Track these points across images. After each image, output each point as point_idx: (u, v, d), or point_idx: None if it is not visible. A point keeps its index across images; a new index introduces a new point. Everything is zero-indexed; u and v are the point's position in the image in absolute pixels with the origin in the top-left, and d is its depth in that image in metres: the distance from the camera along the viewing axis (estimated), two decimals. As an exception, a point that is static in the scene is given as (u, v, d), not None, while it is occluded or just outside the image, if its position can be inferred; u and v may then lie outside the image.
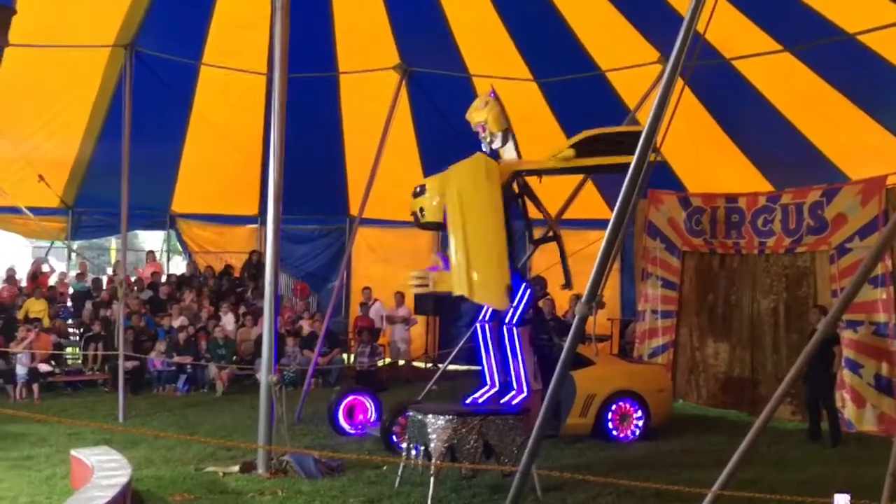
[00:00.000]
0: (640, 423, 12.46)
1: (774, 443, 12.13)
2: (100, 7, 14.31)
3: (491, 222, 9.84)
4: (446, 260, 10.14)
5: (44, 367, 15.54)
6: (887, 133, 13.76)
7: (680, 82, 7.35)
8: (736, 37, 13.27)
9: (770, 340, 15.01)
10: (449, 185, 10.04)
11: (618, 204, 6.41)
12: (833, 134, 14.54)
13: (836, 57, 12.97)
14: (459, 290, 9.68)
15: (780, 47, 13.30)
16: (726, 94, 14.87)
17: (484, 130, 10.55)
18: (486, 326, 10.36)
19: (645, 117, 6.72)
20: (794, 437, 12.81)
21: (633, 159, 6.46)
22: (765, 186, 15.82)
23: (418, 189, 10.49)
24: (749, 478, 9.62)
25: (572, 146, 10.31)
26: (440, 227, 10.50)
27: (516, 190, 10.61)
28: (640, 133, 8.62)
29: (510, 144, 10.58)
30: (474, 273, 9.58)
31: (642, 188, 6.70)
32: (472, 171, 10.10)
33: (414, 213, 10.56)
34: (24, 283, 18.79)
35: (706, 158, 16.50)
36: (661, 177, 15.58)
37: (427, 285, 10.09)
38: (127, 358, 14.57)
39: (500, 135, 10.49)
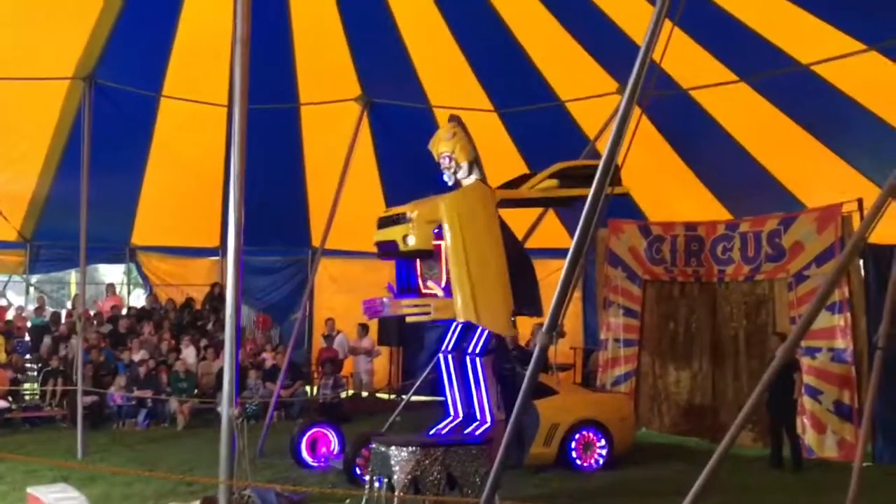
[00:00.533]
0: (604, 451, 12.48)
1: (736, 470, 12.15)
2: (59, 39, 14.22)
3: (493, 249, 9.92)
4: (393, 290, 10.19)
5: (0, 403, 15.27)
6: (842, 162, 14.00)
7: (638, 112, 7.45)
8: (692, 67, 13.46)
9: (731, 367, 15.12)
10: (447, 213, 10.03)
11: (577, 233, 6.44)
12: (789, 163, 14.77)
13: (791, 87, 13.21)
14: (465, 316, 9.73)
15: (735, 77, 13.52)
16: (684, 124, 15.05)
17: (449, 161, 10.55)
18: (449, 357, 10.34)
19: (604, 147, 6.78)
20: (755, 463, 12.88)
21: (592, 188, 6.51)
22: (723, 215, 16.01)
23: (396, 216, 10.46)
24: (712, 505, 9.66)
25: (552, 177, 10.41)
26: (424, 255, 10.48)
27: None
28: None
29: (474, 175, 10.57)
30: (480, 300, 9.62)
31: (602, 217, 6.75)
32: (471, 198, 10.15)
33: (386, 242, 10.51)
34: (-20, 318, 18.53)
35: (665, 187, 16.67)
36: (622, 206, 15.66)
37: (428, 313, 10.10)
38: (86, 393, 14.37)
39: (465, 165, 10.48)
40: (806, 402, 13.61)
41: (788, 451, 12.66)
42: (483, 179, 10.55)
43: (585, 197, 9.50)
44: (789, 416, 12.81)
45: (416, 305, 10.24)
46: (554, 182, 10.49)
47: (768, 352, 13.90)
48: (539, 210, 13.68)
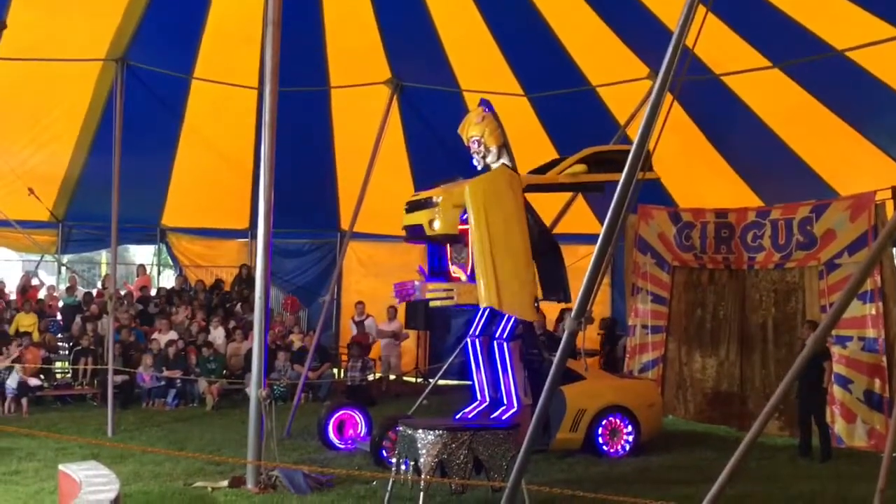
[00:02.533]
0: (631, 438, 12.44)
1: (764, 458, 12.13)
2: (91, 21, 14.31)
3: (516, 234, 9.92)
4: (425, 273, 10.18)
5: (33, 381, 15.47)
6: (876, 149, 13.84)
7: (669, 97, 7.38)
8: (725, 53, 13.34)
9: (759, 356, 15.03)
10: (472, 198, 10.01)
11: (607, 219, 6.42)
12: (822, 150, 14.62)
13: (825, 73, 13.05)
14: (488, 301, 9.74)
15: (769, 63, 13.38)
16: (716, 110, 14.94)
17: (478, 145, 10.54)
18: (477, 341, 10.36)
19: (635, 132, 6.75)
20: (783, 452, 12.81)
21: (623, 174, 6.47)
22: (754, 202, 15.88)
23: (423, 200, 10.46)
24: (738, 493, 9.63)
25: (581, 162, 10.37)
26: (451, 240, 10.48)
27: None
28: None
29: (503, 159, 10.55)
30: (503, 285, 9.61)
31: (632, 203, 6.71)
32: (496, 182, 10.13)
33: (413, 227, 10.53)
34: (13, 297, 18.73)
35: (696, 174, 16.56)
36: (651, 192, 15.60)
37: (452, 297, 10.13)
38: (116, 372, 14.52)
39: (494, 149, 10.46)
40: (836, 391, 13.52)
41: (817, 441, 12.57)
42: (512, 164, 10.52)
43: (615, 182, 9.49)
44: (819, 405, 12.71)
45: (441, 290, 10.26)
46: (583, 167, 10.44)
47: (797, 340, 13.83)
48: (568, 195, 13.63)
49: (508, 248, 9.81)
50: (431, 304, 10.45)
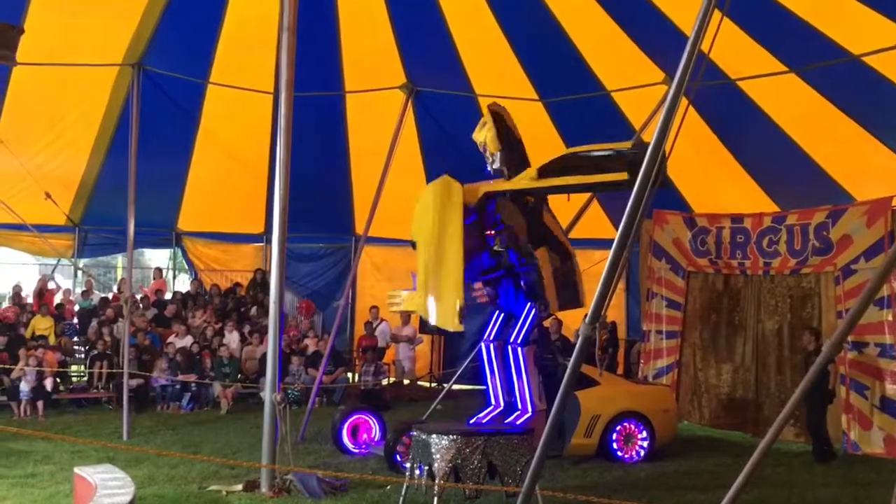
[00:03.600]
0: (645, 443, 12.41)
1: (779, 465, 12.08)
2: (108, 26, 14.40)
3: (447, 245, 9.84)
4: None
5: (48, 381, 15.48)
6: (893, 154, 13.78)
7: (685, 102, 7.35)
8: (741, 57, 13.30)
9: (774, 361, 14.96)
10: (415, 209, 10.18)
11: (622, 224, 6.41)
12: (839, 155, 14.56)
13: (842, 78, 13.00)
14: (417, 308, 9.89)
15: (785, 68, 13.34)
16: (732, 115, 14.89)
17: (485, 151, 10.56)
18: (491, 346, 10.35)
19: (650, 137, 6.73)
20: (798, 458, 12.76)
21: (638, 179, 6.45)
22: (770, 207, 15.82)
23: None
24: (753, 500, 9.60)
25: (541, 167, 10.31)
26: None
27: (507, 209, 10.42)
28: (618, 152, 8.98)
29: (497, 164, 10.53)
30: (432, 293, 9.65)
31: (647, 208, 6.69)
32: (431, 193, 10.19)
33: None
34: (30, 301, 18.83)
35: (711, 179, 16.52)
36: (666, 197, 15.56)
37: (399, 304, 10.25)
38: (132, 376, 14.58)
39: (497, 155, 10.44)
40: (852, 397, 13.46)
41: (820, 443, 12.55)
42: (509, 168, 10.41)
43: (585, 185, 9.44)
44: (818, 411, 12.70)
45: (391, 295, 10.43)
46: (532, 172, 10.33)
47: (801, 347, 13.79)
48: (584, 199, 13.63)
49: (436, 256, 9.80)
50: (389, 309, 10.67)
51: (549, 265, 10.18)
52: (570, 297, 10.48)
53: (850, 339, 12.88)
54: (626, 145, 9.64)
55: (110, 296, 19.66)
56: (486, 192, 10.33)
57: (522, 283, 10.24)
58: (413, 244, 10.40)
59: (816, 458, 12.60)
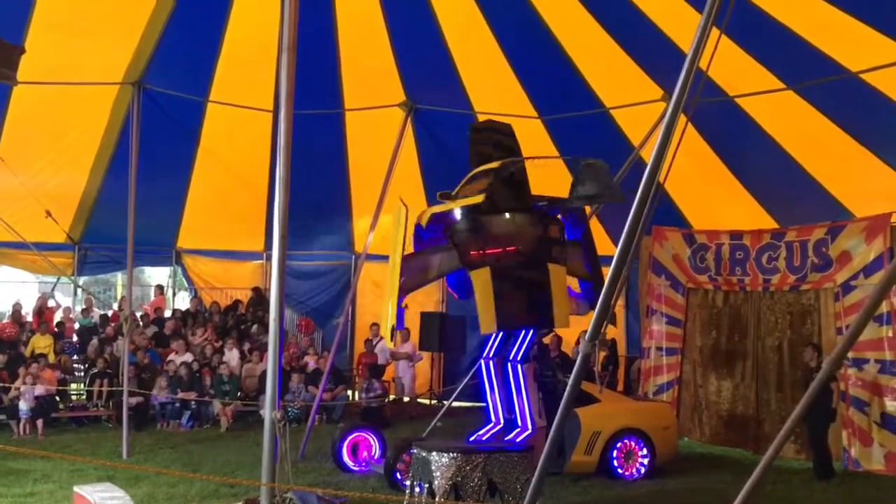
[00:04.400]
0: (646, 460, 12.40)
1: (779, 482, 12.05)
2: (109, 45, 14.44)
3: (391, 264, 10.07)
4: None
5: (39, 390, 15.35)
6: (891, 170, 13.79)
7: (683, 119, 7.36)
8: (739, 75, 13.34)
9: (774, 378, 14.96)
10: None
11: (621, 241, 6.42)
12: (837, 172, 14.58)
13: (840, 95, 13.03)
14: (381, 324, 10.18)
15: (783, 85, 13.38)
16: (730, 132, 14.91)
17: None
18: (491, 363, 10.35)
19: (649, 154, 6.75)
20: (799, 475, 12.74)
21: (637, 196, 6.46)
22: (769, 224, 15.83)
23: None
24: (755, 517, 9.56)
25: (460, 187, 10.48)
26: None
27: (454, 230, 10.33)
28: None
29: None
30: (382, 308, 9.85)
31: (646, 225, 6.71)
32: (390, 217, 10.44)
33: None
34: (29, 319, 18.82)
35: (710, 195, 16.53)
36: (666, 214, 15.61)
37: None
38: (131, 394, 14.55)
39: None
40: (852, 414, 13.46)
41: (825, 461, 12.52)
42: (486, 185, 10.42)
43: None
44: (820, 426, 12.69)
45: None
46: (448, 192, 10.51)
47: (803, 363, 13.77)
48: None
49: (388, 273, 10.12)
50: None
51: (488, 284, 9.90)
52: (525, 317, 10.12)
53: (849, 355, 12.87)
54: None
55: (110, 314, 19.65)
56: (433, 214, 10.40)
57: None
58: None
59: (817, 476, 12.57)
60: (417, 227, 10.39)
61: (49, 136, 16.48)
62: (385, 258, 18.75)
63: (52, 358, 17.03)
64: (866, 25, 11.52)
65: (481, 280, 9.85)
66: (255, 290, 20.45)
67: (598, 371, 16.74)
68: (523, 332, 10.11)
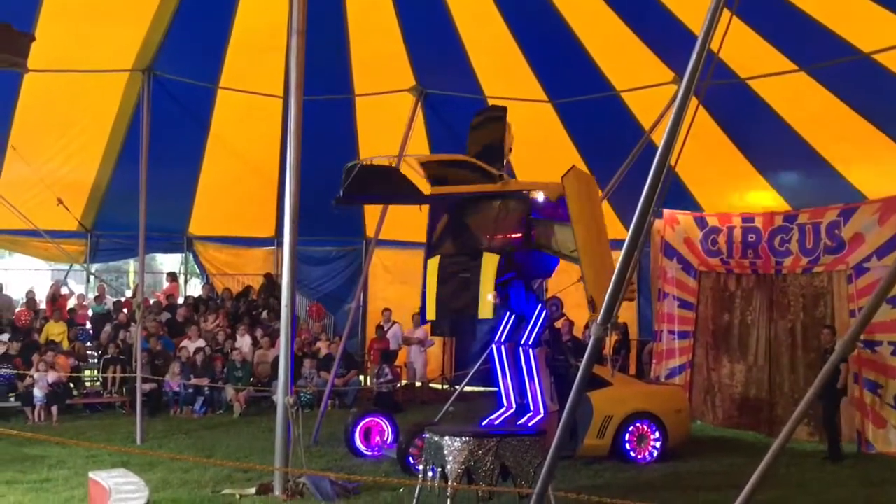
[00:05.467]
0: (658, 444, 12.40)
1: (792, 464, 12.04)
2: (119, 32, 14.45)
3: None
4: None
5: (52, 376, 15.42)
6: (905, 152, 13.73)
7: (695, 102, 7.30)
8: (751, 57, 13.28)
9: (787, 361, 14.92)
10: None
11: (633, 224, 6.39)
12: (850, 153, 14.52)
13: (852, 76, 12.97)
14: None
15: (795, 67, 13.31)
16: (742, 114, 14.86)
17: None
18: (503, 347, 10.35)
19: (660, 137, 6.72)
20: (812, 458, 12.72)
21: (649, 179, 6.43)
22: (781, 206, 15.78)
23: None
24: (768, 500, 9.56)
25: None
26: None
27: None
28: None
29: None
30: None
31: (657, 208, 6.68)
32: None
33: None
34: (43, 306, 18.90)
35: (722, 178, 16.48)
36: (677, 197, 15.56)
37: None
38: (145, 380, 14.61)
39: None
40: (866, 396, 13.42)
41: (841, 442, 12.52)
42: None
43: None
44: (831, 408, 12.68)
45: None
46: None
47: (821, 345, 13.72)
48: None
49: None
50: None
51: (434, 273, 9.92)
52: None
53: (862, 337, 12.82)
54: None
55: (123, 301, 19.73)
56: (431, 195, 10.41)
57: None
58: None
59: (830, 458, 12.54)
60: None
61: (60, 124, 16.53)
62: (399, 244, 19.01)
63: (65, 345, 17.11)
64: (878, 5, 11.45)
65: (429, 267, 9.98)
66: (267, 276, 20.48)
67: (609, 355, 16.78)
68: (535, 315, 10.10)
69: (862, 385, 13.48)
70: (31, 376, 15.22)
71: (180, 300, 20.60)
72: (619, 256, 6.49)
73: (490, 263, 9.61)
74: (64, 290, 20.16)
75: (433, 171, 10.36)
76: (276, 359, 13.61)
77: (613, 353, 17.37)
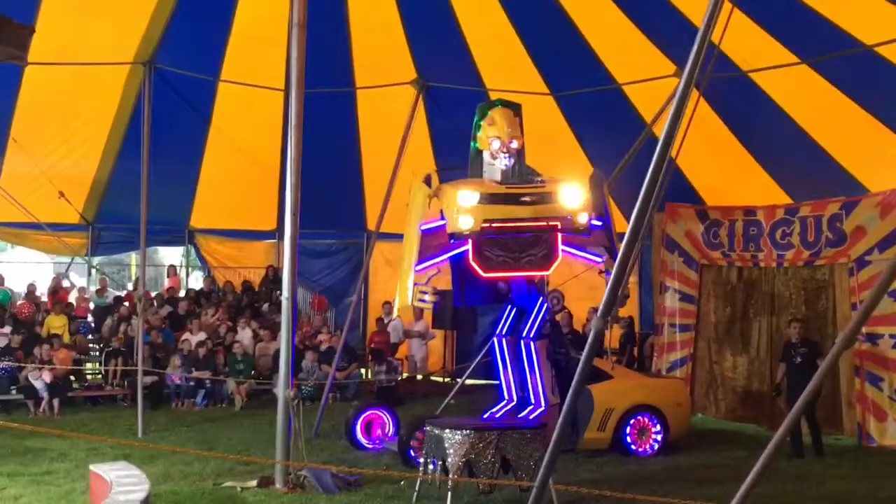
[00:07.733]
0: (659, 437, 12.39)
1: (794, 457, 12.03)
2: (119, 24, 14.43)
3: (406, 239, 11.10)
4: None
5: (48, 377, 15.46)
6: (906, 145, 13.71)
7: (696, 95, 7.30)
8: (752, 49, 13.25)
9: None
10: None
11: (633, 217, 6.40)
12: (852, 146, 14.48)
13: (854, 69, 12.94)
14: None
15: (797, 59, 13.27)
16: (743, 107, 14.84)
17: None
18: (504, 340, 10.36)
19: (661, 130, 6.71)
20: (813, 451, 12.70)
21: (649, 174, 6.43)
22: (783, 199, 15.75)
23: None
24: (768, 493, 9.57)
25: None
26: None
27: None
28: None
29: None
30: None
31: (658, 201, 6.68)
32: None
33: None
34: (44, 299, 18.91)
35: (723, 171, 16.45)
36: (678, 190, 15.54)
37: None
38: (146, 373, 14.62)
39: None
40: (867, 389, 13.42)
41: (810, 439, 12.46)
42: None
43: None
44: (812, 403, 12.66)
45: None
46: None
47: (827, 339, 13.69)
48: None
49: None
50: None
51: None
52: None
53: (864, 330, 12.81)
54: None
55: (124, 293, 19.74)
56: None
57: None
58: None
59: (816, 452, 12.43)
60: None
61: (61, 117, 16.52)
62: (400, 237, 18.93)
63: (66, 338, 17.12)
64: (881, -2, 11.43)
65: None
66: (271, 268, 20.47)
67: (615, 349, 16.78)
68: (536, 309, 10.11)
69: (863, 378, 13.47)
70: (27, 376, 15.21)
71: (182, 293, 20.61)
72: (620, 249, 6.50)
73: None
74: (65, 283, 20.16)
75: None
76: (278, 352, 13.63)
77: (620, 347, 17.35)
